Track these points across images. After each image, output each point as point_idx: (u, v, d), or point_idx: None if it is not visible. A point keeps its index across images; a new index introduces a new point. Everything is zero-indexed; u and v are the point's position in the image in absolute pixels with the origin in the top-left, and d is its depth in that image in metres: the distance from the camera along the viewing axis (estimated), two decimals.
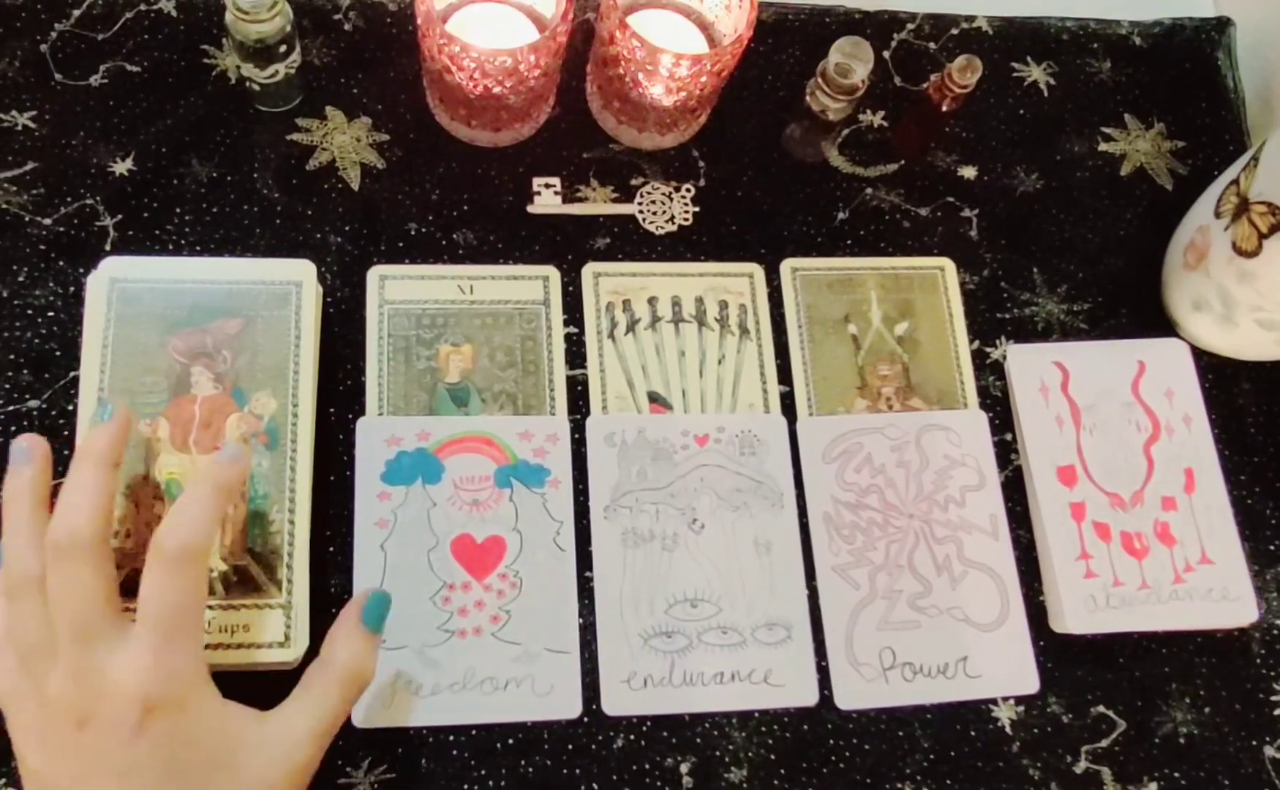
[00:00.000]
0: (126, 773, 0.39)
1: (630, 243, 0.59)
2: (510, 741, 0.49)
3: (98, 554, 0.40)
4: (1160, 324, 0.62)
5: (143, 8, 0.59)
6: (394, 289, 0.55)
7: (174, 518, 0.41)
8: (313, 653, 0.45)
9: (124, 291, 0.49)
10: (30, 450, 0.43)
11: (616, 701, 0.50)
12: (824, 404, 0.57)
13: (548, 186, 0.59)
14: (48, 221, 0.54)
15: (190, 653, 0.40)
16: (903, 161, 0.63)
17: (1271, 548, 0.58)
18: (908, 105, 0.63)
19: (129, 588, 0.42)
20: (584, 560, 0.52)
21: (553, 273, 0.57)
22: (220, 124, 0.58)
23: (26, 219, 0.54)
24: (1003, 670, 0.53)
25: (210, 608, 0.46)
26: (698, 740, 0.51)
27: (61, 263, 0.54)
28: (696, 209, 0.60)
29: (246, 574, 0.47)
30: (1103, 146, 0.66)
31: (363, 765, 0.48)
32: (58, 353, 0.52)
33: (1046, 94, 0.67)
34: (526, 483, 0.53)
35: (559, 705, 0.50)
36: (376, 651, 0.45)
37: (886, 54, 0.66)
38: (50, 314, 0.53)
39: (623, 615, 0.51)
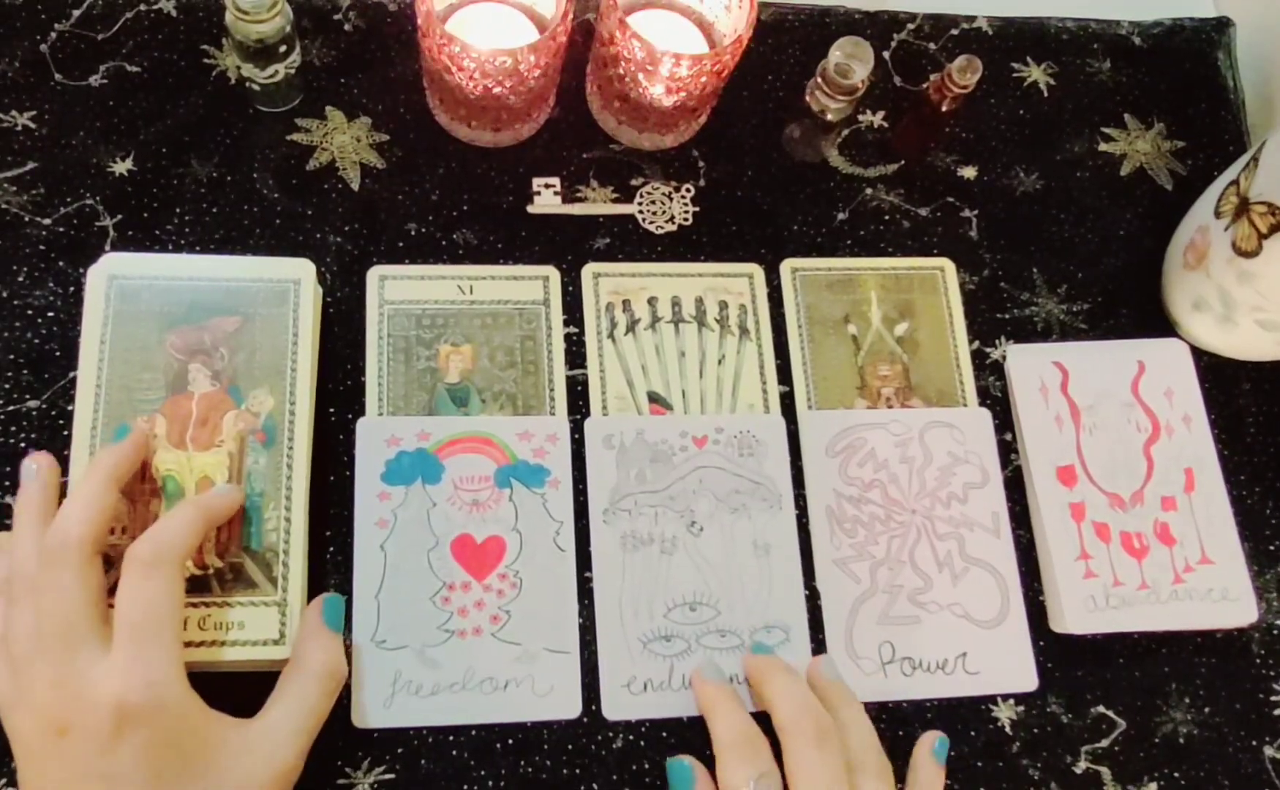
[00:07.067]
0: (110, 779, 0.39)
1: (630, 243, 0.59)
2: (510, 741, 0.49)
3: (85, 562, 0.41)
4: (1160, 324, 0.62)
5: (143, 8, 0.59)
6: (394, 289, 0.55)
7: (152, 529, 0.43)
8: None
9: (122, 288, 0.49)
10: (39, 467, 0.46)
11: (616, 707, 0.50)
12: (824, 404, 0.57)
13: (548, 186, 0.59)
14: (47, 221, 0.54)
15: (167, 659, 0.41)
16: (903, 162, 0.63)
17: (1271, 548, 0.58)
18: (908, 105, 0.63)
19: None
20: (584, 560, 0.52)
21: (553, 273, 0.57)
22: (220, 124, 0.58)
23: (26, 219, 0.54)
24: (1002, 667, 0.53)
25: (205, 605, 0.46)
26: (698, 740, 0.51)
27: (61, 263, 0.54)
28: (696, 209, 0.60)
29: (241, 571, 0.47)
30: (1103, 147, 0.66)
31: (363, 765, 0.48)
32: (58, 353, 0.52)
33: (1046, 94, 0.67)
34: (526, 483, 0.53)
35: (559, 705, 0.50)
36: (343, 649, 0.46)
37: (886, 54, 0.66)
38: (50, 314, 0.53)
39: (622, 620, 0.51)
